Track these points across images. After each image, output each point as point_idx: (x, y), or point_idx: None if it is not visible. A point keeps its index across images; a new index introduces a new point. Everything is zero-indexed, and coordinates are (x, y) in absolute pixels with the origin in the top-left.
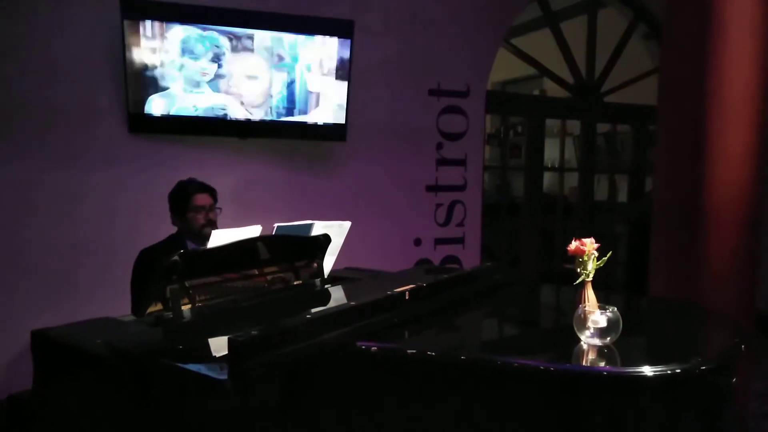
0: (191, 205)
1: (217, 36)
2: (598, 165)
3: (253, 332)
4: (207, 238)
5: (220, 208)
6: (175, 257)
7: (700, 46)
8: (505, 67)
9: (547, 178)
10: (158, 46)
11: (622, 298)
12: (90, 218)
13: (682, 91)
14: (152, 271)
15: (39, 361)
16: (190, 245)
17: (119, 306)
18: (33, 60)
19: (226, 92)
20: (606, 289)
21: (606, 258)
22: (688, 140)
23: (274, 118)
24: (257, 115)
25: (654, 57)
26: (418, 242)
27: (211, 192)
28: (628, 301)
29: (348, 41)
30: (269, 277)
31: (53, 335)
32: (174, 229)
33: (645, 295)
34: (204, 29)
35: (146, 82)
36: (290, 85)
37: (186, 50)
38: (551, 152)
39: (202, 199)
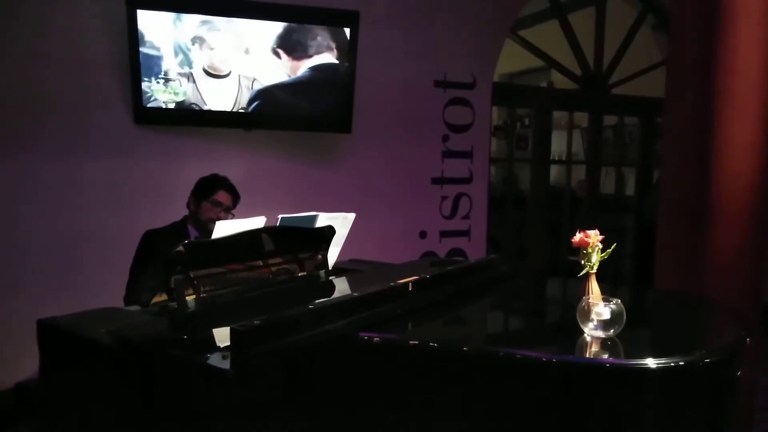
0: (212, 197)
1: (224, 26)
2: (605, 157)
3: (255, 322)
4: (209, 232)
5: (234, 215)
6: (180, 248)
7: (708, 37)
8: (512, 59)
9: (554, 171)
10: (165, 37)
11: (627, 291)
12: (95, 209)
13: (690, 82)
14: (152, 253)
15: (45, 350)
16: (193, 233)
17: (123, 296)
18: (37, 50)
19: (232, 83)
20: (614, 282)
21: (610, 250)
22: (695, 132)
23: (279, 110)
24: (262, 107)
25: (662, 48)
26: (423, 235)
27: (235, 196)
28: (634, 294)
29: (353, 32)
30: (273, 269)
31: (59, 324)
32: (175, 217)
33: (651, 287)
34: (210, 20)
35: (152, 73)
36: (296, 75)
37: (192, 41)
38: (558, 144)
39: (223, 196)
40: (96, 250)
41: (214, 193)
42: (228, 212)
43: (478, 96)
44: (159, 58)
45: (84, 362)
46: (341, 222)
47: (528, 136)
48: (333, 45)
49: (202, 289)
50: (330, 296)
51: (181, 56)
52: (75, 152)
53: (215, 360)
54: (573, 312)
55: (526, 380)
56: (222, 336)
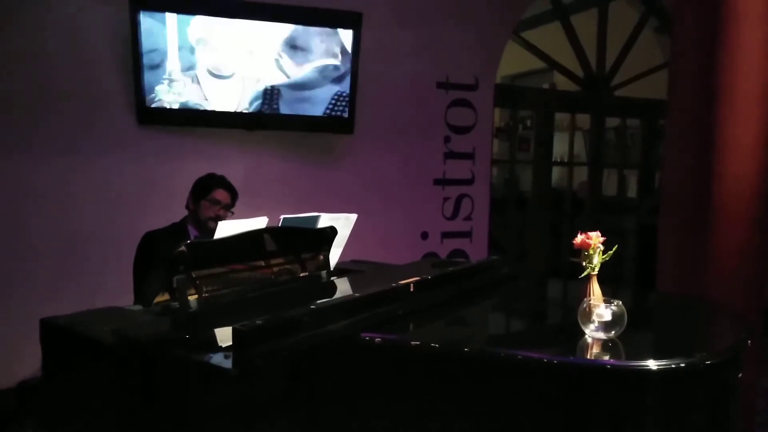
0: (210, 196)
1: (227, 28)
2: (607, 159)
3: (257, 322)
4: (209, 231)
5: (233, 212)
6: (182, 248)
7: (711, 39)
8: (514, 61)
9: (556, 173)
10: (168, 38)
11: (629, 293)
12: (98, 209)
13: (692, 84)
14: (153, 254)
15: (47, 349)
16: (192, 233)
17: (125, 295)
18: (41, 50)
19: (236, 84)
20: (615, 283)
21: (612, 252)
22: (697, 134)
23: (282, 110)
24: (265, 108)
25: (665, 51)
26: (425, 236)
27: (233, 194)
28: (635, 296)
29: (356, 33)
30: (275, 269)
31: (61, 323)
32: (178, 218)
33: (653, 289)
34: (214, 21)
35: (156, 73)
36: (299, 76)
37: (196, 42)
38: (560, 146)
39: (221, 194)
40: (99, 249)
41: (212, 191)
42: (228, 210)
43: (481, 97)
44: (163, 59)
45: (86, 361)
46: (343, 223)
47: (530, 137)
48: (336, 46)
49: (204, 289)
50: (332, 297)
51: (184, 57)
52: (78, 152)
53: (217, 360)
54: (574, 313)
55: (527, 381)
56: (224, 336)
